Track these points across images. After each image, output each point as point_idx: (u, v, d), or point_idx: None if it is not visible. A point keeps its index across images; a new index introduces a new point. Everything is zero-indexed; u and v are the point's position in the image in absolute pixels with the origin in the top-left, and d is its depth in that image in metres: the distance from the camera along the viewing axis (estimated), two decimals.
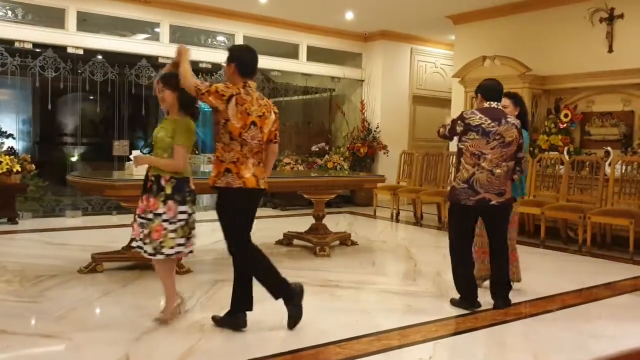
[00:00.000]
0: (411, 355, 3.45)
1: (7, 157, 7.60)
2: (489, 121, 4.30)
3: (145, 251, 3.74)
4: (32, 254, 5.99)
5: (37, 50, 8.38)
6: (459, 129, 4.39)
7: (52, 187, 9.04)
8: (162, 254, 3.70)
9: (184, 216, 3.73)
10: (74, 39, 8.48)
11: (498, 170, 4.31)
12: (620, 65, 7.54)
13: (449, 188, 4.63)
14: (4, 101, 12.27)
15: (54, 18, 8.42)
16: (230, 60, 3.76)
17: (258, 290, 4.75)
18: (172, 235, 3.69)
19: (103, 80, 8.82)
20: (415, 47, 11.51)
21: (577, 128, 8.15)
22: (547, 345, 3.68)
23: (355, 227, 8.18)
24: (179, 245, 3.74)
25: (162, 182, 3.69)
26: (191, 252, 3.89)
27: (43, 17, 8.39)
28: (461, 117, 4.41)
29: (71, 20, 8.46)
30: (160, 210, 3.67)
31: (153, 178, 3.73)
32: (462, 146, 4.38)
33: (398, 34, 11.15)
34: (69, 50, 8.45)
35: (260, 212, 9.99)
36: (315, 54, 10.94)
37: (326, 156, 10.58)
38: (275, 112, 3.85)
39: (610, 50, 7.77)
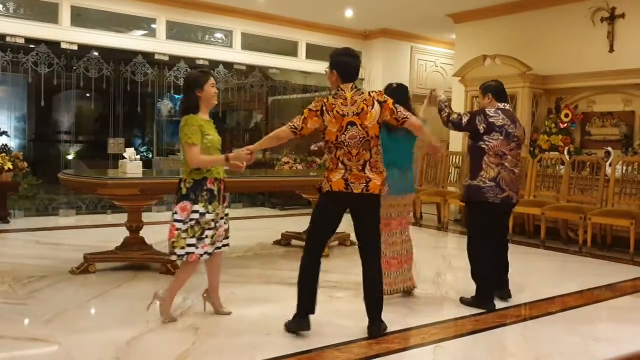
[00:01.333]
0: (411, 359, 3.36)
1: None
2: (509, 123, 4.40)
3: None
4: (22, 254, 5.89)
5: (30, 45, 8.25)
6: (480, 126, 4.37)
7: (47, 185, 8.93)
8: (175, 254, 3.75)
9: (195, 215, 3.69)
10: (67, 34, 8.35)
11: (516, 170, 4.48)
12: (621, 65, 7.45)
13: (465, 187, 4.58)
14: None
15: (47, 12, 8.28)
16: (331, 67, 3.72)
17: (258, 292, 4.68)
18: (183, 235, 3.69)
19: (98, 77, 8.70)
20: (415, 46, 11.42)
21: (577, 128, 8.07)
22: (548, 349, 3.60)
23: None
24: (189, 245, 3.69)
25: (181, 184, 3.78)
26: (208, 254, 3.76)
27: (36, 12, 8.25)
28: (484, 114, 4.41)
29: (65, 15, 8.32)
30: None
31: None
32: (484, 145, 4.38)
33: (398, 32, 11.05)
34: (63, 45, 8.32)
35: (258, 211, 9.89)
36: (314, 52, 10.84)
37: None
38: (380, 102, 3.65)
39: (611, 49, 7.69)
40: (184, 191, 3.68)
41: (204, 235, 3.68)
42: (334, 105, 3.60)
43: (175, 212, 3.67)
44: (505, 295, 4.63)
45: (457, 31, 9.82)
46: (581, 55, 7.92)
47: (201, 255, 3.69)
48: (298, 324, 3.66)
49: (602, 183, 7.08)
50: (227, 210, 3.96)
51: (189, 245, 3.66)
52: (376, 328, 3.67)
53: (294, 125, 3.64)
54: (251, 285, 4.91)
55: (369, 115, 3.61)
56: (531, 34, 8.53)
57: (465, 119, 4.48)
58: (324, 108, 3.60)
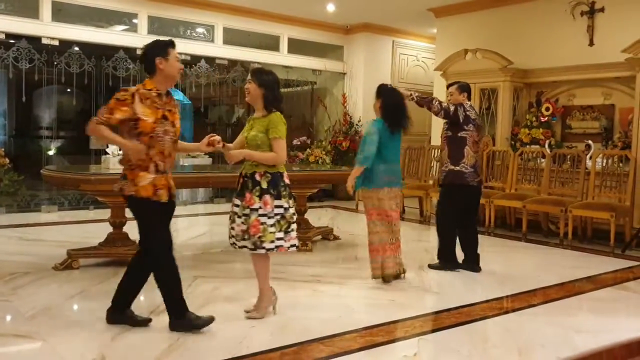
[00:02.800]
0: (396, 352, 3.40)
1: None
2: (477, 117, 5.29)
3: (245, 247, 3.77)
4: (5, 251, 5.82)
5: (10, 41, 8.16)
6: (461, 116, 5.17)
7: (27, 181, 8.84)
8: (263, 248, 3.72)
9: (280, 210, 3.75)
10: (48, 29, 8.26)
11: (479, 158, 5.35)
12: (601, 58, 7.54)
13: (447, 172, 5.31)
14: None
15: (28, 8, 8.19)
16: None
17: (243, 287, 4.69)
18: (271, 229, 3.71)
19: (79, 72, 8.62)
20: (396, 40, 11.46)
21: (558, 121, 8.16)
22: (531, 340, 3.65)
23: (338, 222, 8.12)
24: (279, 239, 3.75)
25: (257, 177, 3.73)
26: (294, 246, 3.86)
27: (16, 7, 8.15)
28: (463, 107, 5.21)
29: (46, 10, 8.23)
30: (256, 205, 3.69)
31: (248, 174, 3.76)
32: (465, 135, 5.18)
33: (380, 27, 11.09)
34: (44, 41, 8.23)
35: None
36: (296, 46, 10.84)
37: (308, 150, 10.49)
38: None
39: (591, 43, 7.78)
40: (264, 185, 3.72)
41: (290, 229, 3.80)
42: (148, 95, 3.51)
43: (259, 207, 3.70)
44: (478, 269, 5.36)
45: (438, 25, 9.87)
46: (561, 49, 8.01)
47: (289, 247, 3.81)
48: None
49: (583, 176, 7.17)
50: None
51: (278, 239, 3.74)
52: None
53: (100, 119, 3.40)
54: (235, 280, 4.92)
55: (176, 116, 3.65)
56: (512, 28, 8.61)
57: (452, 108, 5.20)
58: (136, 96, 3.47)
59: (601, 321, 4.16)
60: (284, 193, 3.79)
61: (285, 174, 3.87)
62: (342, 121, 11.12)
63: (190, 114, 10.71)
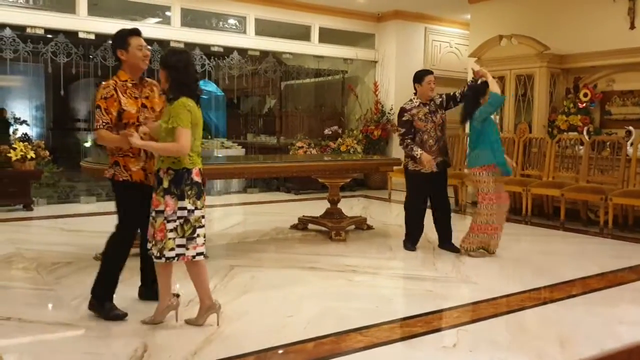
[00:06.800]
0: (434, 343, 3.38)
1: (21, 143, 7.59)
2: None
3: (152, 254, 3.43)
4: (47, 241, 5.99)
5: (49, 36, 8.34)
6: None
7: (66, 173, 9.04)
8: (163, 256, 3.35)
9: (184, 213, 3.33)
10: (85, 24, 8.40)
11: None
12: None
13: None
14: (18, 88, 12.29)
15: (65, 3, 8.35)
16: None
17: (279, 276, 4.72)
18: (170, 235, 3.32)
19: (115, 65, 8.72)
20: (429, 27, 11.32)
21: (596, 107, 7.97)
22: (573, 331, 3.59)
23: (370, 211, 8.10)
24: (179, 246, 3.35)
25: (161, 174, 3.37)
26: (201, 254, 3.42)
27: (54, 2, 8.32)
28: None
29: (82, 5, 8.37)
30: (160, 207, 3.34)
31: (155, 171, 3.44)
32: None
33: (412, 14, 10.97)
34: (81, 35, 8.38)
35: (273, 196, 9.92)
36: (327, 36, 10.80)
37: (339, 139, 10.47)
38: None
39: (632, 26, 7.55)
40: (166, 184, 3.33)
41: (195, 235, 3.36)
42: (125, 87, 3.62)
43: (164, 210, 3.33)
44: None
45: (472, 11, 9.71)
46: (600, 33, 7.79)
47: (193, 256, 3.39)
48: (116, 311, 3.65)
49: (623, 163, 7.00)
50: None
51: (179, 246, 3.34)
52: None
53: (104, 123, 3.52)
54: (271, 269, 4.95)
55: (156, 100, 3.73)
56: (548, 13, 8.40)
57: None
58: (118, 91, 3.58)
59: None
60: (190, 193, 3.32)
61: (196, 170, 3.38)
62: (374, 110, 11.06)
63: (223, 105, 10.81)
